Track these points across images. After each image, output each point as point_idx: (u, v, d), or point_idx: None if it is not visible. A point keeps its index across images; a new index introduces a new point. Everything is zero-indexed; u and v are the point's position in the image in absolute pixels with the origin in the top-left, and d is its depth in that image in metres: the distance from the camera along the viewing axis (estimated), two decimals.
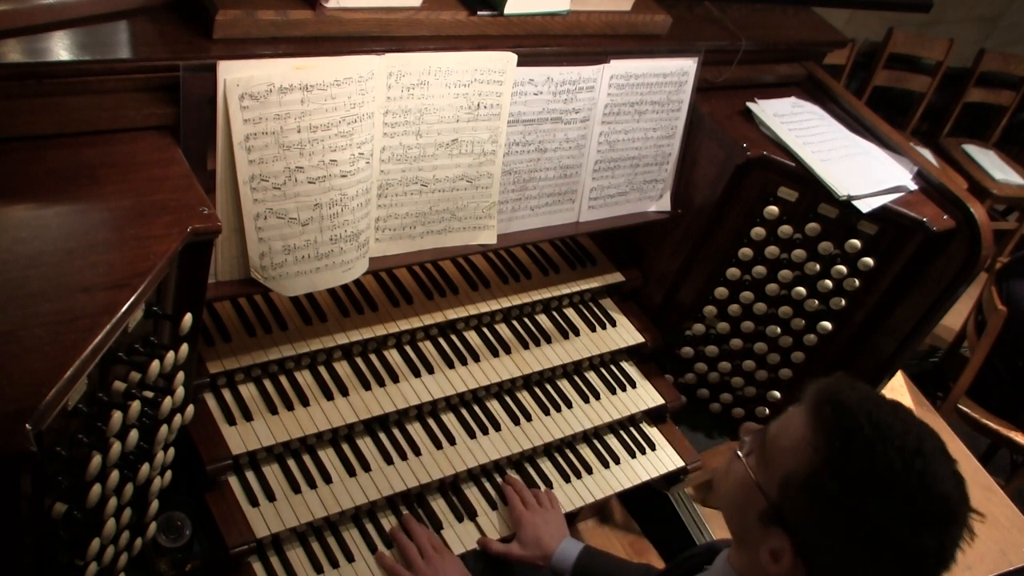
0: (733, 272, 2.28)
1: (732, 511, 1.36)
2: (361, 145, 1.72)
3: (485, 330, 2.22)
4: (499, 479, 2.08)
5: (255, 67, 1.55)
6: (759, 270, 2.25)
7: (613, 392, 2.30)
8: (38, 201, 1.37)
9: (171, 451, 1.56)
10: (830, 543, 1.21)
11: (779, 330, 2.32)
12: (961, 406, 3.65)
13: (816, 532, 1.21)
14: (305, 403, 1.90)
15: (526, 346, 2.22)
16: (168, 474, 1.58)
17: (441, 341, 2.15)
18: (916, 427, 1.22)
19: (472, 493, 2.04)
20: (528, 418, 2.15)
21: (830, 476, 1.19)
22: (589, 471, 2.18)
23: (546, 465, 2.16)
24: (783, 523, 1.24)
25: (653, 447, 2.30)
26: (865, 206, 2.08)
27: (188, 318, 1.46)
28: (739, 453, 1.34)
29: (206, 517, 1.75)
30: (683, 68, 2.13)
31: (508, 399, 2.17)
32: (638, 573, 1.86)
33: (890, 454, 1.18)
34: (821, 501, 1.20)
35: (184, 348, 1.48)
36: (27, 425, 1.09)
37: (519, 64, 1.86)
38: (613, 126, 2.11)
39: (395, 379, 2.03)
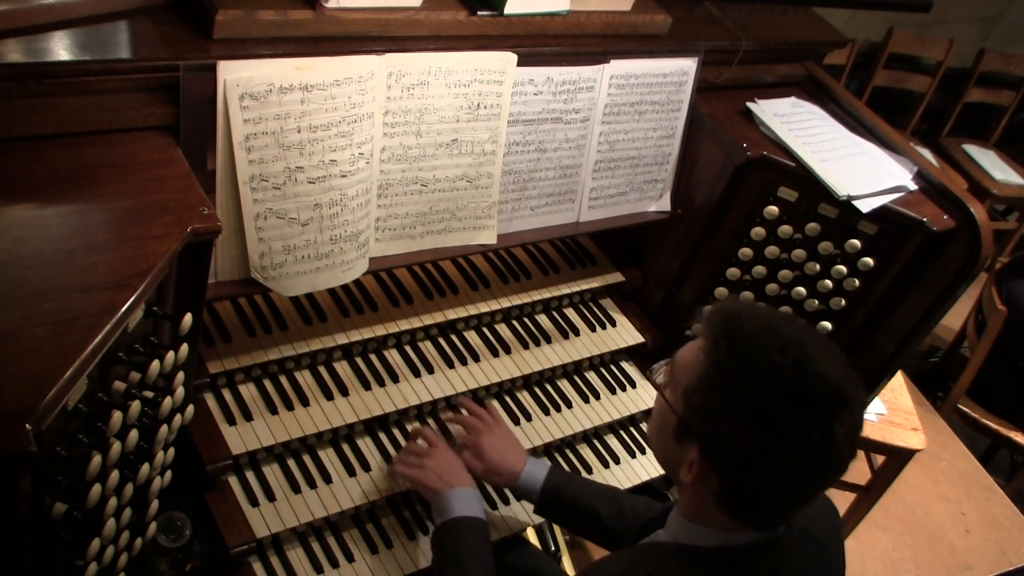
0: (733, 272, 2.28)
1: (656, 443, 1.44)
2: (361, 145, 1.72)
3: (485, 330, 2.22)
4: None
5: (255, 67, 1.55)
6: (759, 270, 2.25)
7: (613, 392, 2.30)
8: (38, 201, 1.37)
9: (171, 451, 1.56)
10: (726, 436, 1.28)
11: None
12: (961, 406, 3.65)
13: (714, 429, 1.29)
14: (305, 403, 1.91)
15: (526, 346, 2.22)
16: (168, 474, 1.58)
17: (441, 341, 2.15)
18: (799, 325, 1.32)
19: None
20: (528, 418, 2.15)
21: (717, 373, 1.28)
22: (589, 471, 2.17)
23: None
24: (690, 432, 1.31)
25: None
26: (865, 206, 2.09)
27: (188, 318, 1.46)
28: (655, 382, 1.44)
29: (206, 517, 1.76)
30: (683, 68, 2.13)
31: (508, 399, 2.17)
32: (604, 495, 1.86)
33: (767, 342, 1.26)
34: (713, 397, 1.28)
35: (184, 348, 1.48)
36: (27, 425, 1.09)
37: (519, 64, 1.86)
38: (613, 126, 2.11)
39: (395, 379, 2.03)
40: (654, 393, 2.32)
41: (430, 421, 2.06)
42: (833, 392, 1.25)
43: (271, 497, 1.80)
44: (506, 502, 2.04)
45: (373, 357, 2.06)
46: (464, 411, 2.04)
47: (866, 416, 2.74)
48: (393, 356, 2.08)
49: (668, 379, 1.41)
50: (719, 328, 1.31)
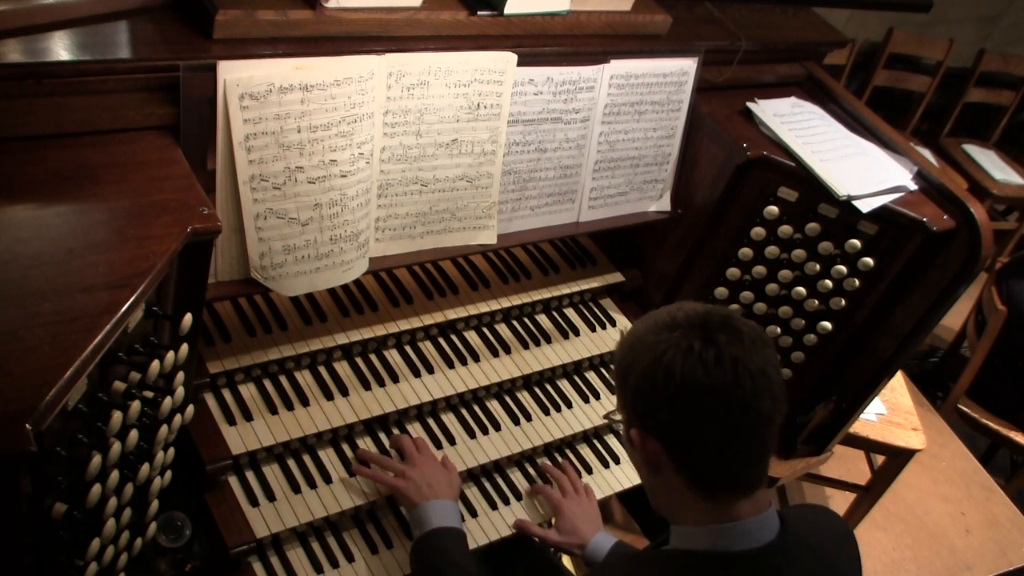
0: (733, 272, 2.28)
1: (637, 470, 1.49)
2: (361, 145, 1.72)
3: (485, 330, 2.22)
4: (499, 479, 2.08)
5: (255, 67, 1.55)
6: (759, 270, 2.25)
7: (613, 393, 2.30)
8: (38, 201, 1.37)
9: (171, 451, 1.56)
10: (640, 396, 1.35)
11: (779, 330, 2.32)
12: (961, 406, 3.65)
13: (632, 401, 1.37)
14: (305, 403, 1.90)
15: (526, 346, 2.22)
16: (168, 474, 1.58)
17: (441, 341, 2.15)
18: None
19: (472, 493, 2.04)
20: (528, 418, 2.15)
21: (619, 356, 1.40)
22: (589, 471, 2.18)
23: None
24: (629, 423, 1.40)
25: None
26: (865, 206, 2.09)
27: (188, 318, 1.46)
28: (617, 424, 1.51)
29: (206, 517, 1.75)
30: (683, 68, 2.13)
31: (508, 399, 2.17)
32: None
33: (644, 317, 1.41)
34: (624, 374, 1.38)
35: (184, 348, 1.48)
36: (27, 425, 1.09)
37: (519, 64, 1.86)
38: (613, 126, 2.11)
39: (395, 379, 2.03)
40: None
41: (430, 421, 2.06)
42: (701, 316, 1.34)
43: (271, 497, 1.80)
44: (495, 507, 2.04)
45: (373, 357, 2.06)
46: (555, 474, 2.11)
47: (866, 416, 2.76)
48: (393, 356, 2.08)
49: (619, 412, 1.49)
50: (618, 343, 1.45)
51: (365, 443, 1.97)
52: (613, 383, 1.47)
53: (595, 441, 2.25)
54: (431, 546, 1.74)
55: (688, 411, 1.31)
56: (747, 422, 1.31)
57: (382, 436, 2.00)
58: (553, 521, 2.02)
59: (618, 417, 1.48)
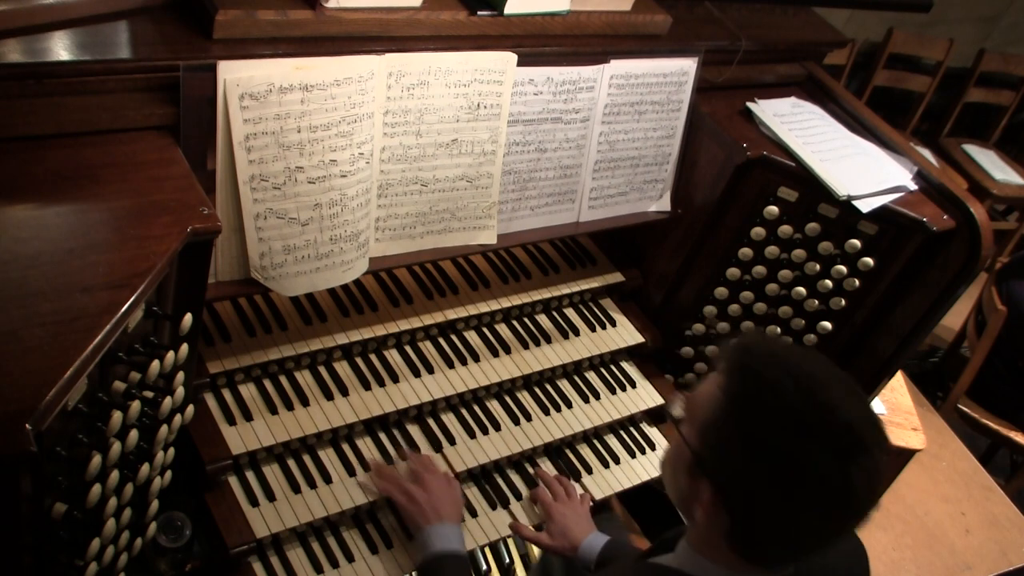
0: (733, 272, 2.28)
1: (669, 477, 1.39)
2: (361, 145, 1.72)
3: (485, 330, 2.22)
4: (499, 479, 2.08)
5: (255, 67, 1.55)
6: (759, 270, 2.25)
7: (613, 392, 2.30)
8: (38, 201, 1.37)
9: (171, 451, 1.56)
10: (739, 476, 1.23)
11: (779, 330, 2.32)
12: (961, 406, 3.65)
13: (727, 468, 1.24)
14: (305, 403, 1.90)
15: (526, 346, 2.22)
16: (168, 474, 1.58)
17: (441, 341, 2.15)
18: (820, 364, 1.26)
19: (472, 493, 2.04)
20: (528, 418, 2.15)
21: (734, 410, 1.23)
22: (589, 471, 2.17)
23: (546, 465, 2.16)
24: (704, 470, 1.27)
25: (653, 447, 2.30)
26: (865, 206, 2.08)
27: (188, 318, 1.46)
28: (672, 416, 1.38)
29: (206, 517, 1.75)
30: (683, 68, 2.13)
31: (508, 399, 2.17)
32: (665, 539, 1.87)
33: (785, 382, 1.21)
34: (727, 435, 1.24)
35: (184, 348, 1.48)
36: (27, 425, 1.09)
37: (519, 64, 1.86)
38: (613, 126, 2.11)
39: (395, 379, 2.03)
40: (654, 393, 2.34)
41: (430, 421, 2.06)
42: (851, 433, 1.20)
43: (271, 497, 1.80)
44: (495, 507, 2.04)
45: (373, 357, 2.06)
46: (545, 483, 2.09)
47: None
48: (393, 356, 2.08)
49: (685, 414, 1.35)
50: (736, 363, 1.27)
51: (365, 443, 1.97)
52: (701, 406, 1.29)
53: (595, 441, 2.25)
54: (432, 571, 1.75)
55: (785, 516, 1.22)
56: (837, 533, 1.25)
57: (382, 436, 2.00)
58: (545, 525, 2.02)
59: (676, 412, 1.36)
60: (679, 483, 1.34)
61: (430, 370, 2.07)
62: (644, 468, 2.24)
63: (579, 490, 2.11)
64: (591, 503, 2.09)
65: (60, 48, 1.43)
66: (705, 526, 1.30)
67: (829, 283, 2.21)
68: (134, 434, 1.34)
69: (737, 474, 1.23)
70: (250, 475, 1.83)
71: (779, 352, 1.27)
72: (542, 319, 2.31)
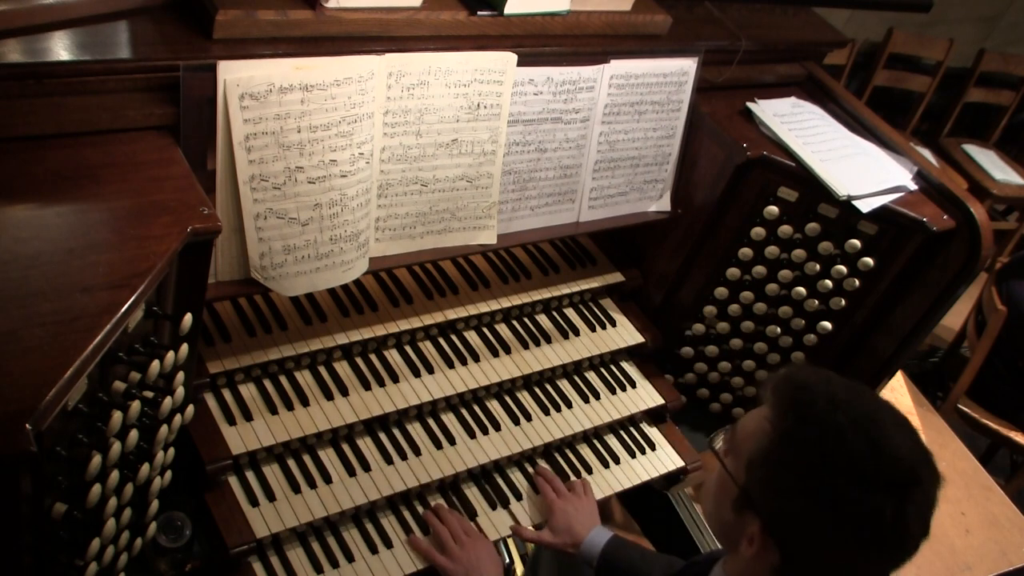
0: (733, 272, 2.28)
1: (712, 508, 1.38)
2: (361, 145, 1.72)
3: (485, 330, 2.22)
4: (499, 479, 2.08)
5: (255, 67, 1.55)
6: (759, 270, 2.25)
7: (613, 392, 2.30)
8: (38, 201, 1.37)
9: (171, 451, 1.56)
10: (792, 514, 1.22)
11: (779, 330, 2.32)
12: (961, 406, 3.65)
13: (779, 506, 1.23)
14: (305, 403, 1.90)
15: (526, 346, 2.22)
16: (168, 474, 1.58)
17: (441, 341, 2.15)
18: (871, 399, 1.26)
19: (472, 493, 2.04)
20: (528, 418, 2.15)
21: (786, 446, 1.22)
22: (589, 471, 2.17)
23: (546, 465, 2.16)
24: (751, 504, 1.26)
25: (653, 447, 2.30)
26: (865, 206, 2.09)
27: (188, 318, 1.46)
28: (716, 450, 1.37)
29: (206, 517, 1.75)
30: (683, 68, 2.13)
31: (508, 399, 2.17)
32: (661, 564, 1.87)
33: (840, 419, 1.20)
34: (780, 473, 1.23)
35: (184, 348, 1.48)
36: (27, 425, 1.09)
37: (519, 64, 1.86)
38: (613, 126, 2.11)
39: (395, 379, 2.03)
40: (654, 393, 2.34)
41: (430, 421, 2.06)
42: (906, 473, 1.20)
43: (271, 497, 1.80)
44: (495, 507, 2.04)
45: (373, 357, 2.06)
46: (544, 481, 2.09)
47: None
48: (393, 356, 2.08)
49: (729, 446, 1.34)
50: (788, 399, 1.26)
51: (365, 443, 1.97)
52: (747, 442, 1.27)
53: (595, 441, 2.25)
54: None
55: (838, 558, 1.22)
56: (890, 567, 1.25)
57: (382, 436, 1.99)
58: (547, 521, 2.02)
59: (720, 445, 1.35)
60: (722, 516, 1.33)
61: (430, 370, 2.07)
62: (644, 468, 2.24)
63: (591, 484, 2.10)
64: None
65: (60, 48, 1.43)
66: (751, 560, 1.29)
67: (829, 283, 2.21)
68: (134, 434, 1.34)
69: (789, 511, 1.22)
70: (250, 475, 1.83)
71: (832, 388, 1.26)
72: (542, 319, 2.31)
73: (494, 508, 2.02)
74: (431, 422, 2.06)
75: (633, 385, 2.34)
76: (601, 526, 1.97)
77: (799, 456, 1.21)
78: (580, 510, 2.00)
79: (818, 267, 2.20)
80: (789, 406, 1.24)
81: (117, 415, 1.28)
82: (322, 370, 1.99)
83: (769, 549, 1.25)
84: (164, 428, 1.45)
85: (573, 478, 2.13)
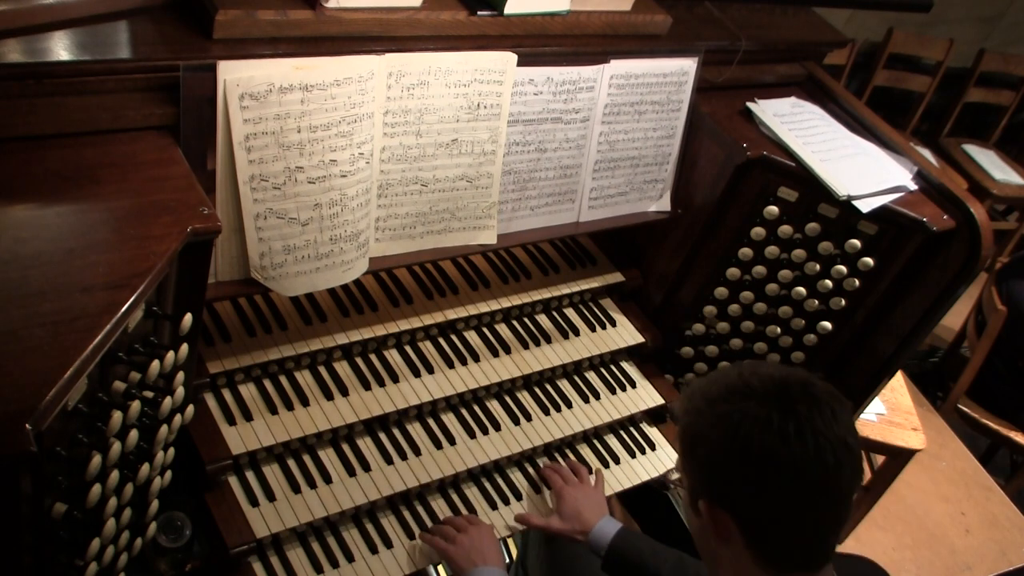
0: (733, 272, 2.28)
1: (694, 536, 1.46)
2: (361, 145, 1.72)
3: (485, 330, 2.22)
4: (499, 479, 2.08)
5: (255, 67, 1.55)
6: (759, 270, 2.25)
7: (613, 392, 2.30)
8: (38, 201, 1.37)
9: (171, 451, 1.56)
10: (710, 464, 1.32)
11: (779, 330, 2.32)
12: (961, 406, 3.65)
13: (701, 466, 1.34)
14: (305, 403, 1.90)
15: (526, 346, 2.22)
16: (168, 474, 1.58)
17: (441, 341, 2.15)
18: (743, 362, 1.39)
19: (472, 493, 2.04)
20: (528, 418, 2.15)
21: (688, 420, 1.36)
22: (589, 471, 2.17)
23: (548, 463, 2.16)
24: (695, 491, 1.35)
25: (653, 447, 2.30)
26: (865, 206, 2.08)
27: (188, 318, 1.46)
28: (673, 483, 1.49)
29: (206, 517, 1.75)
30: (683, 68, 2.13)
31: (508, 399, 2.17)
32: (671, 560, 1.88)
33: (715, 376, 1.36)
34: (688, 441, 1.35)
35: (184, 348, 1.48)
36: (27, 425, 1.09)
37: (519, 64, 1.86)
38: (613, 126, 2.11)
39: (395, 379, 2.03)
40: (654, 393, 2.34)
41: (430, 421, 2.06)
42: (778, 383, 1.29)
43: (271, 497, 1.80)
44: (495, 507, 2.04)
45: (373, 357, 2.06)
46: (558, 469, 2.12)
47: (866, 416, 2.76)
48: (393, 356, 2.08)
49: (679, 473, 1.45)
50: (682, 398, 1.41)
51: (365, 443, 1.97)
52: (677, 445, 1.43)
53: (595, 441, 2.25)
54: None
55: (766, 487, 1.27)
56: (827, 497, 1.29)
57: (382, 436, 2.00)
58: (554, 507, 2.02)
59: (676, 476, 1.46)
60: (695, 531, 1.42)
61: (430, 370, 2.07)
62: (644, 468, 2.24)
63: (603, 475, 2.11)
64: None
65: (60, 48, 1.43)
66: (729, 558, 1.35)
67: (829, 283, 2.21)
68: (134, 434, 1.34)
69: (709, 464, 1.32)
70: (250, 475, 1.83)
71: (710, 376, 1.39)
72: (542, 319, 2.31)
73: (494, 508, 2.02)
74: (431, 422, 2.06)
75: (633, 385, 2.34)
76: (610, 516, 1.97)
77: (694, 416, 1.34)
78: (589, 497, 2.00)
79: (818, 267, 2.20)
80: (684, 397, 1.40)
81: (117, 415, 1.28)
82: (322, 370, 1.99)
83: (725, 522, 1.32)
84: (164, 428, 1.45)
85: (579, 465, 2.12)
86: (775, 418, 1.25)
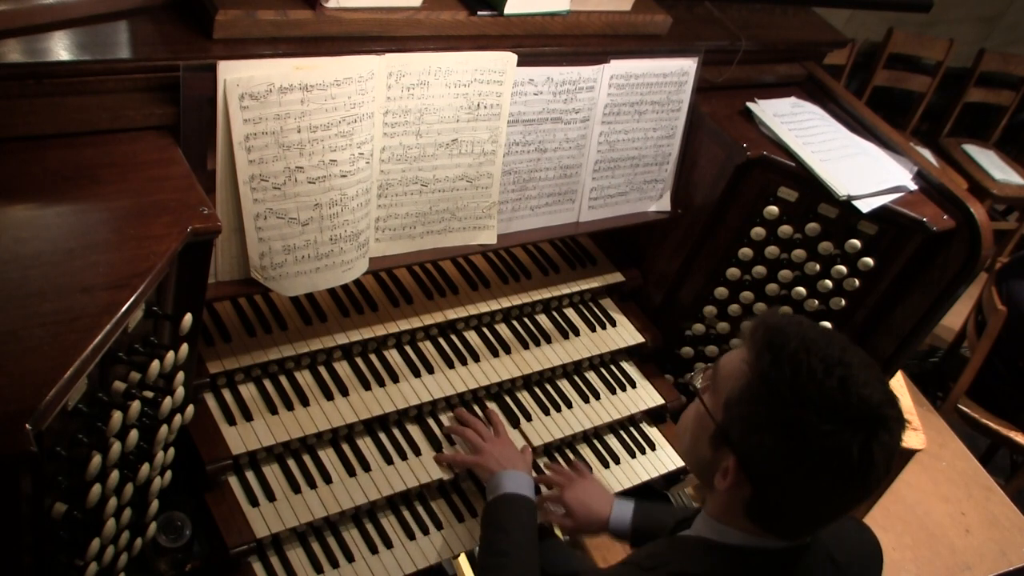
0: (733, 272, 2.28)
1: (689, 445, 1.46)
2: (361, 145, 1.72)
3: (485, 330, 2.22)
4: None
5: (255, 67, 1.55)
6: (759, 270, 2.25)
7: (613, 392, 2.30)
8: (38, 201, 1.37)
9: (171, 451, 1.56)
10: (764, 449, 1.29)
11: None
12: (961, 406, 3.65)
13: (753, 441, 1.30)
14: (305, 403, 1.90)
15: (526, 346, 2.22)
16: (168, 474, 1.58)
17: (441, 341, 2.15)
18: (842, 342, 1.32)
19: (473, 493, 2.04)
20: (528, 418, 2.15)
21: (761, 385, 1.29)
22: (590, 471, 2.17)
23: (548, 463, 2.16)
24: (728, 441, 1.33)
25: (653, 447, 2.30)
26: (865, 206, 2.09)
27: (188, 318, 1.46)
28: (695, 386, 1.44)
29: (206, 517, 1.75)
30: (683, 68, 2.13)
31: (508, 399, 2.17)
32: (678, 514, 1.89)
33: (813, 362, 1.26)
34: (755, 410, 1.29)
35: (184, 348, 1.48)
36: (27, 425, 1.09)
37: (519, 64, 1.86)
38: (613, 126, 2.11)
39: (395, 379, 2.03)
40: (654, 393, 2.33)
41: (430, 421, 2.06)
42: (873, 412, 1.26)
43: (271, 497, 1.80)
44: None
45: (373, 357, 2.06)
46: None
47: None
48: (393, 356, 2.08)
49: (708, 385, 1.41)
50: (763, 341, 1.32)
51: (365, 443, 1.97)
52: (725, 381, 1.34)
53: (595, 441, 2.25)
54: (500, 508, 1.82)
55: (806, 488, 1.28)
56: (848, 503, 1.31)
57: (382, 436, 2.00)
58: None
59: (699, 383, 1.43)
60: (699, 451, 1.40)
61: (430, 370, 2.07)
62: (644, 468, 2.24)
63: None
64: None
65: (60, 48, 1.43)
66: (725, 494, 1.36)
67: (829, 283, 2.21)
68: (134, 434, 1.34)
69: (762, 448, 1.29)
70: (250, 475, 1.83)
71: (804, 331, 1.32)
72: (542, 319, 2.31)
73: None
74: (431, 422, 2.06)
75: (633, 385, 2.34)
76: (618, 498, 1.98)
77: (773, 394, 1.28)
78: (589, 491, 2.01)
79: (818, 267, 2.20)
80: (765, 348, 1.30)
81: (117, 415, 1.28)
82: (322, 370, 1.99)
83: (742, 483, 1.32)
84: (164, 428, 1.45)
85: (543, 489, 2.11)
86: (855, 450, 1.24)
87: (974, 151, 5.33)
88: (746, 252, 2.24)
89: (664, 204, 2.30)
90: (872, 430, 1.25)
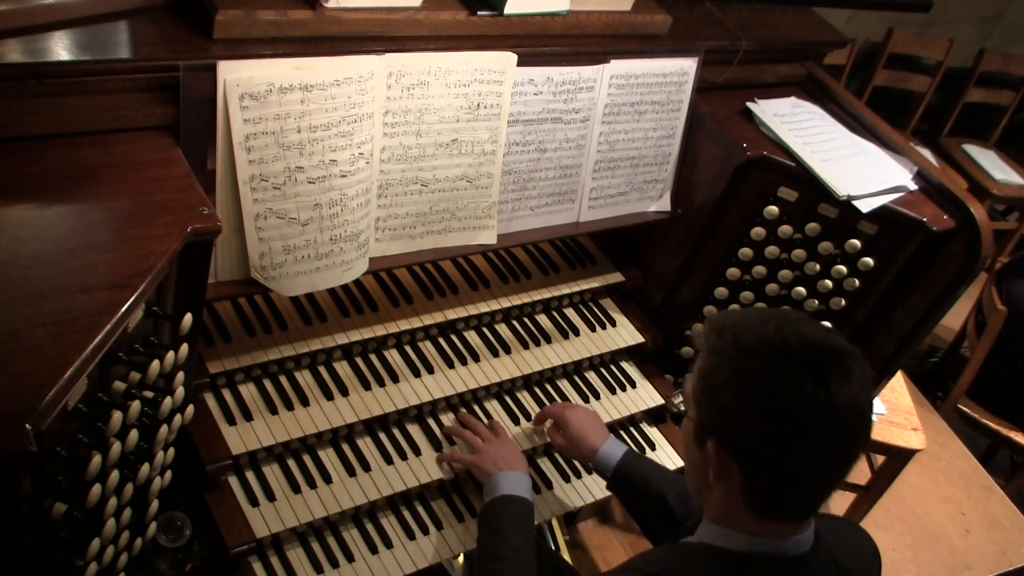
0: (733, 272, 2.28)
1: (688, 466, 1.49)
2: (361, 145, 1.72)
3: (485, 330, 2.22)
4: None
5: (255, 67, 1.55)
6: (759, 270, 2.25)
7: (613, 392, 2.30)
8: (38, 201, 1.37)
9: (171, 451, 1.56)
10: (731, 415, 1.32)
11: None
12: (961, 406, 3.65)
13: (719, 410, 1.33)
14: (305, 403, 1.91)
15: (526, 346, 2.22)
16: (168, 474, 1.58)
17: (441, 341, 2.15)
18: (783, 310, 1.39)
19: (473, 492, 2.04)
20: (528, 418, 2.15)
21: (711, 357, 1.35)
22: (589, 471, 2.17)
23: (546, 465, 2.16)
24: (704, 428, 1.36)
25: (653, 447, 2.30)
26: (865, 206, 2.09)
27: (188, 318, 1.46)
28: (679, 410, 1.50)
29: (206, 517, 1.75)
30: (683, 68, 2.13)
31: (508, 399, 2.17)
32: (676, 484, 1.90)
33: (750, 321, 1.34)
34: (712, 382, 1.34)
35: (184, 348, 1.48)
36: (27, 425, 1.09)
37: (519, 64, 1.86)
38: (613, 126, 2.11)
39: (395, 379, 2.03)
40: (654, 393, 2.34)
41: (430, 421, 2.06)
42: (816, 346, 1.29)
43: (271, 497, 1.80)
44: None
45: (373, 357, 2.06)
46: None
47: None
48: (393, 356, 2.08)
49: (684, 401, 1.45)
50: (708, 328, 1.39)
51: (365, 443, 1.97)
52: (692, 383, 1.40)
53: None
54: (497, 511, 1.82)
55: (783, 447, 1.29)
56: (835, 464, 1.32)
57: (382, 436, 2.00)
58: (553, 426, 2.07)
59: (679, 400, 1.47)
60: (692, 460, 1.43)
61: (430, 370, 2.07)
62: None
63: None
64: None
65: (60, 48, 1.43)
66: (721, 489, 1.38)
67: (829, 283, 2.21)
68: (134, 434, 1.34)
69: (728, 412, 1.32)
70: (250, 475, 1.83)
71: (748, 311, 1.39)
72: (542, 319, 2.31)
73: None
74: (431, 422, 2.06)
75: (633, 385, 2.34)
76: (614, 438, 1.99)
77: (721, 357, 1.33)
78: (590, 420, 2.03)
79: (818, 267, 2.20)
80: (711, 332, 1.37)
81: (117, 415, 1.28)
82: (322, 370, 1.99)
83: (729, 464, 1.34)
84: (164, 428, 1.45)
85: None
86: (808, 385, 1.26)
87: (974, 151, 5.33)
88: (746, 252, 2.24)
89: (664, 204, 2.30)
90: (821, 363, 1.27)
